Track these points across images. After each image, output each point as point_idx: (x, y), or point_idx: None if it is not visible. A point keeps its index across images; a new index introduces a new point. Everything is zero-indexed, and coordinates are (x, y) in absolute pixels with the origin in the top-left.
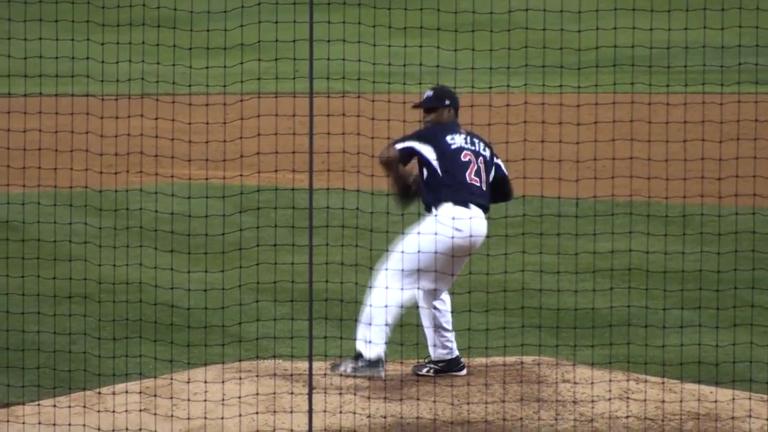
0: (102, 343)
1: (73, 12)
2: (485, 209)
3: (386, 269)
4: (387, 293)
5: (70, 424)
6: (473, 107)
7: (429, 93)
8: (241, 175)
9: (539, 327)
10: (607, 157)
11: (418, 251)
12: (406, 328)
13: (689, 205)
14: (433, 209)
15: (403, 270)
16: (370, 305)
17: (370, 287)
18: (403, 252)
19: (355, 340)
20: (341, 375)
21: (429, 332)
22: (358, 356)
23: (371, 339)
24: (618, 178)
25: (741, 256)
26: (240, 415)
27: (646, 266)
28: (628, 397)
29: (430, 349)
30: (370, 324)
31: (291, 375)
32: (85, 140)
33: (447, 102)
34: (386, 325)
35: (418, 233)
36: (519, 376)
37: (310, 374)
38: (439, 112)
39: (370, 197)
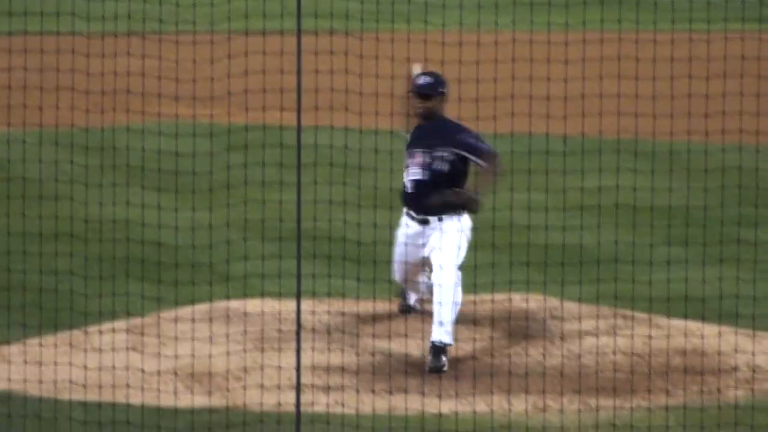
0: (88, 281)
1: None
2: None
3: (454, 266)
4: (457, 290)
5: (56, 363)
6: (461, 45)
7: (427, 78)
8: (228, 114)
9: (527, 264)
10: (595, 94)
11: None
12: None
13: (676, 141)
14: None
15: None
16: (456, 303)
17: (440, 285)
18: (459, 248)
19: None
20: (443, 370)
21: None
22: (443, 347)
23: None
24: (605, 115)
25: (727, 192)
26: (228, 353)
27: (633, 203)
28: (615, 333)
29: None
30: (453, 314)
31: (279, 313)
32: (71, 79)
33: (444, 90)
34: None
35: (461, 231)
36: (507, 313)
37: (299, 312)
38: (438, 100)
39: (358, 135)
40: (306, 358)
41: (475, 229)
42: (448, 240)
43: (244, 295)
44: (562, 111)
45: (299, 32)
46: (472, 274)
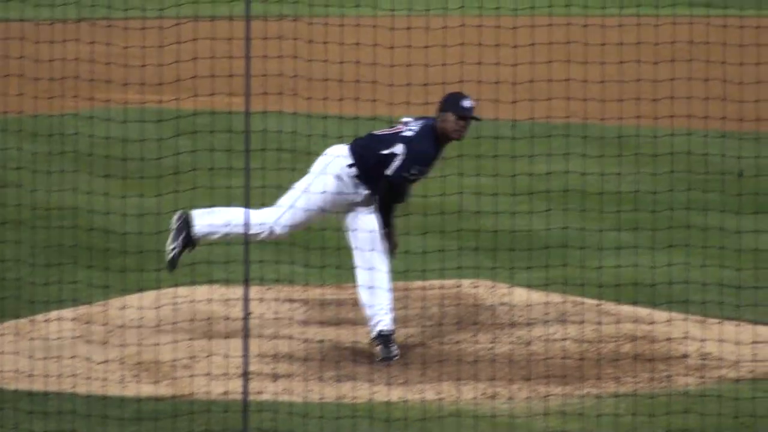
0: (36, 269)
1: None
2: None
3: (375, 251)
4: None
5: (2, 352)
6: (410, 29)
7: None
8: (177, 99)
9: (476, 249)
10: (544, 79)
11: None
12: (344, 251)
13: (625, 126)
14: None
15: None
16: (389, 290)
17: (371, 269)
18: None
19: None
20: (395, 359)
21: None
22: (390, 333)
23: (389, 310)
24: (554, 100)
25: (677, 177)
26: (175, 342)
27: (582, 188)
28: (565, 320)
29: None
30: (388, 296)
31: (227, 300)
32: (20, 65)
33: None
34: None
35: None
36: (456, 299)
37: (246, 299)
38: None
39: (307, 120)
40: (253, 346)
41: (424, 215)
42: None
43: (192, 282)
44: (511, 96)
45: (248, 18)
46: (421, 260)
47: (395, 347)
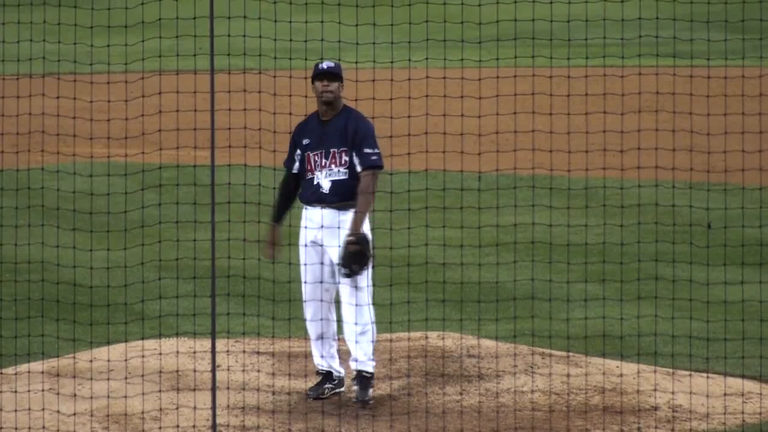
0: (4, 323)
1: None
2: None
3: (366, 287)
4: (371, 310)
5: None
6: (375, 81)
7: (331, 63)
8: (143, 153)
9: (443, 301)
10: (509, 130)
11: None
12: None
13: (592, 178)
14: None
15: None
16: (373, 322)
17: (356, 305)
18: (373, 268)
19: (355, 361)
20: (370, 404)
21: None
22: (371, 377)
23: (372, 356)
24: (520, 151)
25: (644, 228)
26: (144, 394)
27: (549, 240)
28: (533, 372)
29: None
30: (372, 342)
31: (194, 352)
32: None
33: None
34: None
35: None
36: (424, 351)
37: (213, 351)
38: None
39: (272, 173)
40: (222, 398)
41: (390, 267)
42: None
43: (160, 334)
44: (476, 147)
45: (212, 71)
46: (388, 312)
47: (371, 392)
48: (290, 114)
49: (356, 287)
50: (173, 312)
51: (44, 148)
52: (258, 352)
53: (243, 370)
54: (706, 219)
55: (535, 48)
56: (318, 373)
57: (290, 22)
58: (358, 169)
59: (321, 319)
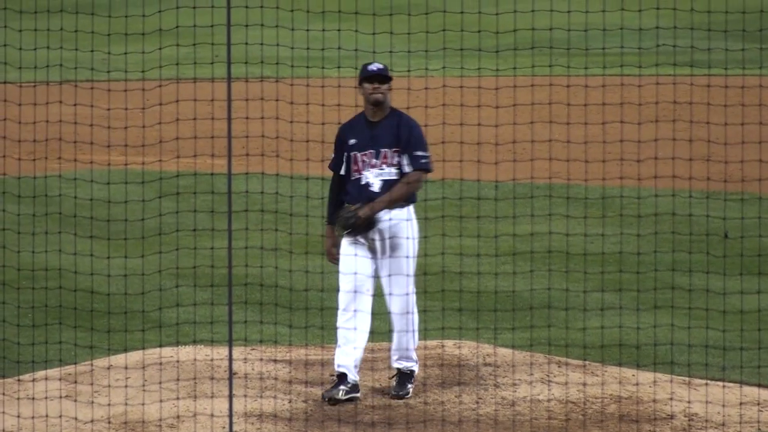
0: (21, 330)
1: None
2: None
3: (410, 276)
4: (415, 312)
5: None
6: (391, 90)
7: (380, 65)
8: (160, 161)
9: (460, 310)
10: (526, 140)
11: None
12: (327, 311)
13: (609, 187)
14: (409, 208)
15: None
16: (415, 324)
17: (407, 294)
18: (414, 258)
19: (404, 358)
20: (406, 397)
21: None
22: (411, 375)
23: (414, 355)
24: (537, 160)
25: (661, 237)
26: (161, 401)
27: (566, 249)
28: (549, 380)
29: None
30: (415, 341)
31: (211, 360)
32: (3, 127)
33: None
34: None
35: (412, 238)
36: (440, 360)
37: (230, 359)
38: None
39: (289, 181)
40: (238, 406)
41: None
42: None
43: (177, 342)
44: (493, 157)
45: (229, 79)
46: None
47: (410, 387)
48: (307, 122)
49: (406, 294)
50: (190, 320)
51: (61, 155)
52: (275, 360)
53: (260, 378)
54: (723, 228)
55: (553, 57)
56: (333, 375)
57: (307, 30)
58: (407, 169)
59: (354, 328)
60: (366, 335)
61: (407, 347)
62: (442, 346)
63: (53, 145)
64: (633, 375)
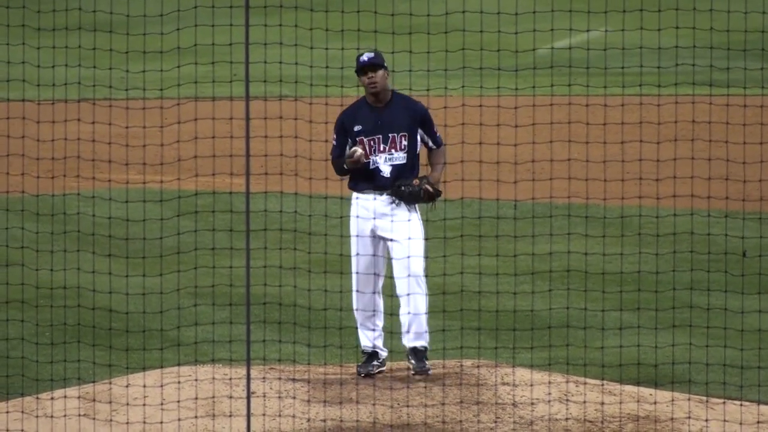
0: (40, 348)
1: (8, 16)
2: None
3: (422, 257)
4: (424, 281)
5: (8, 430)
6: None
7: (371, 53)
8: (178, 179)
9: (478, 329)
10: (545, 159)
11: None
12: (346, 330)
13: (627, 206)
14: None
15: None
16: (426, 294)
17: (415, 275)
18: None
19: (419, 333)
20: (429, 373)
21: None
22: (424, 350)
23: (426, 330)
24: (556, 180)
25: (679, 257)
26: (179, 420)
27: (584, 268)
28: (567, 400)
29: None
30: (426, 314)
31: (230, 379)
32: (22, 145)
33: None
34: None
35: (418, 219)
36: (458, 379)
37: (248, 378)
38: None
39: (308, 200)
40: (257, 425)
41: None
42: (413, 234)
43: (195, 361)
44: (512, 176)
45: (247, 97)
46: None
47: (428, 363)
48: (325, 141)
49: (410, 257)
50: (209, 339)
51: (79, 173)
52: (293, 379)
53: (278, 397)
54: (741, 248)
55: (572, 76)
56: (363, 353)
57: (326, 49)
58: (433, 146)
59: (374, 311)
60: (381, 315)
61: (420, 326)
62: (461, 365)
63: (71, 164)
64: (651, 394)
